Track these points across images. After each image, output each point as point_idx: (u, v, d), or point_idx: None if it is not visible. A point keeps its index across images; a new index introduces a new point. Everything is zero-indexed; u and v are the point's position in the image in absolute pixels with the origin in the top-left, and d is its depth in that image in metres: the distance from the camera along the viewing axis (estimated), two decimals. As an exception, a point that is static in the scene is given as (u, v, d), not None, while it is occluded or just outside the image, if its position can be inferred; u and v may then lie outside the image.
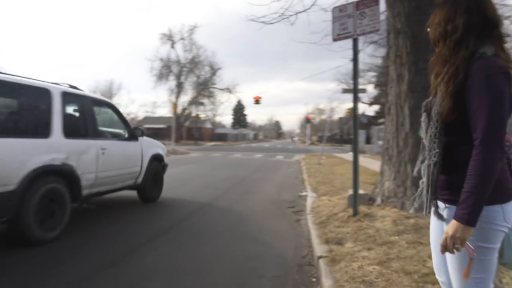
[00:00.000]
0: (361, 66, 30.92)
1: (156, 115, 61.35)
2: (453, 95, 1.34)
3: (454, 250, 1.29)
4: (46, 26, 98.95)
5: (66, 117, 4.30)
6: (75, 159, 4.30)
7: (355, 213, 4.52)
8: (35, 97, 3.97)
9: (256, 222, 5.18)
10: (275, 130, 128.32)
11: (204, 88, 45.32)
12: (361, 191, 5.15)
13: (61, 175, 4.10)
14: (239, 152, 28.93)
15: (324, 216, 4.86)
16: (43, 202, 3.83)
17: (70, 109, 4.64)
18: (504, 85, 1.27)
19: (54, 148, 4.02)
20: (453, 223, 1.28)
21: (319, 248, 3.68)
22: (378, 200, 4.99)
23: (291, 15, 7.92)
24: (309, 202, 6.16)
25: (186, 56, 45.51)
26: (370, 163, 15.17)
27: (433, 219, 1.58)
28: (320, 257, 3.43)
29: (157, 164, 6.55)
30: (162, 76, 43.96)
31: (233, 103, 73.02)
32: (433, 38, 1.47)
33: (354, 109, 4.89)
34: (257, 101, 32.26)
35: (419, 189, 1.53)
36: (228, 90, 44.53)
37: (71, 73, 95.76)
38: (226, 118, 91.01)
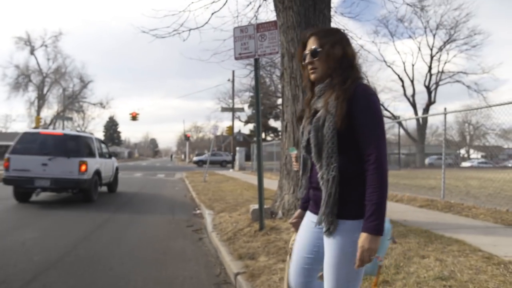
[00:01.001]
0: (237, 86, 32.60)
1: (10, 130, 52.72)
2: (345, 104, 1.49)
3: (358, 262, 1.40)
4: None
5: (97, 148, 9.48)
6: (101, 167, 9.32)
7: (261, 227, 4.63)
8: (90, 140, 9.30)
9: (158, 244, 4.85)
10: (151, 148, 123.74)
11: (73, 102, 41.04)
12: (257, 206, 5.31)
13: (97, 173, 9.02)
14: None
15: (230, 232, 4.85)
16: (94, 183, 8.76)
17: (97, 145, 9.70)
18: (381, 111, 1.59)
19: (97, 162, 9.08)
20: (366, 236, 1.38)
21: (233, 265, 3.63)
22: (280, 214, 5.22)
23: (184, 31, 7.92)
24: (208, 219, 6.06)
25: (50, 66, 40.77)
26: (254, 179, 15.81)
27: (306, 230, 1.69)
28: (238, 274, 3.39)
29: (117, 171, 11.56)
30: (18, 85, 38.34)
31: (104, 119, 67.77)
32: (335, 65, 1.60)
33: (258, 126, 5.06)
34: (134, 117, 30.75)
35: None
36: (101, 105, 41.33)
37: None
38: (97, 135, 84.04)
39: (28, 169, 7.81)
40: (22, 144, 8.11)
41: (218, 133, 63.79)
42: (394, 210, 6.30)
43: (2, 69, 42.71)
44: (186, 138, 44.45)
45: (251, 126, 53.94)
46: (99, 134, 77.44)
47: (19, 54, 62.31)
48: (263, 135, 54.69)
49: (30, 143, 8.13)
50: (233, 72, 31.51)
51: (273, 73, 30.90)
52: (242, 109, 33.92)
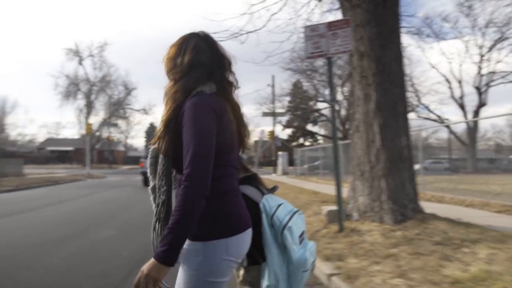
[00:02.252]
0: (277, 91, 32.59)
1: (61, 136, 55.76)
2: (169, 130, 1.35)
3: None
4: None
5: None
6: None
7: (341, 229, 4.51)
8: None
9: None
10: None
11: (118, 109, 42.75)
12: (334, 208, 5.19)
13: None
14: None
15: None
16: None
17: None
18: (209, 122, 1.31)
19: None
20: (151, 261, 1.22)
21: (323, 266, 3.54)
22: (355, 215, 5.07)
23: (242, 34, 7.98)
24: (275, 221, 6.00)
25: (96, 74, 42.74)
26: (302, 183, 15.68)
27: None
28: (332, 275, 3.29)
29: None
30: (69, 94, 40.43)
31: (146, 125, 70.18)
32: (166, 71, 1.51)
33: (333, 126, 4.95)
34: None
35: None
36: (144, 111, 42.74)
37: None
38: (138, 141, 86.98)
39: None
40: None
41: (256, 138, 63.99)
42: (470, 215, 5.96)
43: (55, 79, 44.97)
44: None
45: (289, 131, 53.75)
46: (141, 139, 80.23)
47: (69, 64, 65.63)
48: (301, 140, 54.37)
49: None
50: (273, 77, 31.66)
51: (314, 78, 30.79)
52: (283, 114, 33.83)
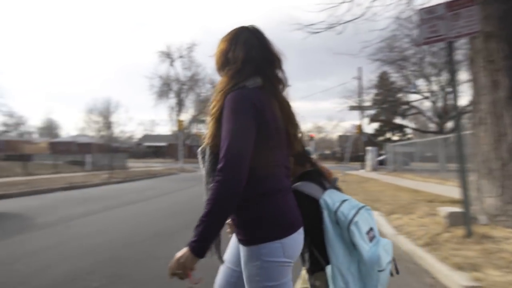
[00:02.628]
0: (364, 83, 31.08)
1: (155, 133, 60.63)
2: (216, 122, 1.32)
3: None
4: (35, 43, 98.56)
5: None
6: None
7: (469, 234, 4.01)
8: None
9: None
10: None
11: (206, 106, 44.83)
12: (455, 209, 4.66)
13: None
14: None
15: (424, 237, 4.33)
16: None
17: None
18: (247, 117, 1.26)
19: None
20: (185, 248, 1.24)
21: (456, 276, 3.14)
22: (483, 219, 4.49)
23: (340, 24, 7.63)
24: (383, 221, 5.63)
25: (186, 74, 45.31)
26: (396, 180, 14.72)
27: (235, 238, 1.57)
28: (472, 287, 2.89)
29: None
30: (162, 93, 43.54)
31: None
32: (217, 67, 1.48)
33: (457, 118, 4.41)
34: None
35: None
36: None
37: (62, 89, 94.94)
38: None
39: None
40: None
41: (341, 133, 61.87)
42: None
43: (149, 80, 48.82)
44: (310, 138, 44.34)
45: (375, 125, 51.18)
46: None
47: (161, 66, 70.89)
48: (388, 134, 51.40)
49: None
50: (360, 69, 30.29)
51: (405, 68, 28.69)
52: (370, 107, 32.25)
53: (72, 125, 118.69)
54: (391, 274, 1.50)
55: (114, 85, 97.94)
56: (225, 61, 1.43)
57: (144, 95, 79.03)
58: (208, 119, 1.38)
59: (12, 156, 27.12)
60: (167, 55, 43.31)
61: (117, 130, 56.32)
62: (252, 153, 1.25)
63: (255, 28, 1.47)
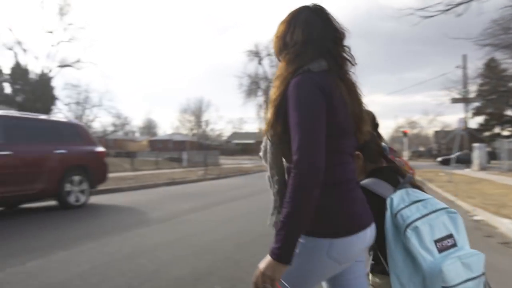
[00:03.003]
0: (470, 72, 27.84)
1: (243, 131, 62.56)
2: (276, 109, 1.22)
3: None
4: (135, 48, 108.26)
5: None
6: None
7: None
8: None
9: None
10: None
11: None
12: None
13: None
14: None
15: None
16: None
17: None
18: (316, 102, 1.15)
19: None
20: (267, 257, 1.11)
21: None
22: None
23: (461, 3, 6.73)
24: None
25: (273, 72, 45.74)
26: (518, 181, 12.79)
27: None
28: None
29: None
30: (250, 92, 44.57)
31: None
32: (276, 52, 1.35)
33: None
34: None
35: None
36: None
37: (158, 91, 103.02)
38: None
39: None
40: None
41: (438, 128, 56.85)
42: None
43: (239, 79, 50.14)
44: (404, 134, 41.35)
45: (480, 119, 45.94)
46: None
47: (250, 65, 72.69)
48: (497, 129, 45.69)
49: None
50: (464, 56, 27.25)
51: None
52: (476, 99, 28.89)
53: (168, 124, 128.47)
54: None
55: (205, 85, 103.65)
56: (283, 45, 1.31)
57: (233, 94, 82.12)
58: (270, 109, 1.25)
59: (120, 153, 30.08)
60: (255, 54, 44.17)
61: (208, 128, 59.31)
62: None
63: (317, 6, 1.32)
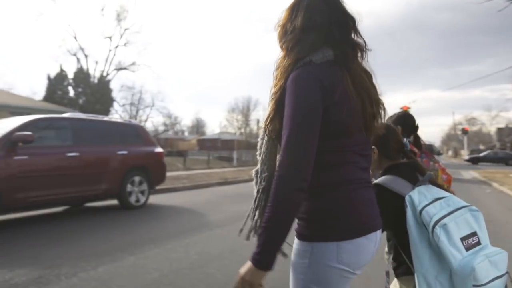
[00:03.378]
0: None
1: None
2: (275, 103, 1.16)
3: None
4: (182, 48, 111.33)
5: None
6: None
7: None
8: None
9: None
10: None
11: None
12: None
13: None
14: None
15: None
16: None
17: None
18: (312, 99, 1.06)
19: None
20: (248, 262, 1.07)
21: None
22: None
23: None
24: None
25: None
26: None
27: None
28: None
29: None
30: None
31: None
32: (278, 40, 1.24)
33: None
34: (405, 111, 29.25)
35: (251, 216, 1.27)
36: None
37: (206, 90, 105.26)
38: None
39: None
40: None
41: (502, 125, 52.73)
42: None
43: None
44: (463, 131, 38.67)
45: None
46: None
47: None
48: None
49: None
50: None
51: None
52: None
53: (216, 123, 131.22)
54: None
55: (253, 84, 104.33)
56: (283, 33, 1.21)
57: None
58: (269, 102, 1.20)
59: (172, 152, 30.96)
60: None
61: (255, 127, 59.53)
62: (318, 140, 1.08)
63: None
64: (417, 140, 2.29)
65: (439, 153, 22.55)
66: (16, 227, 5.60)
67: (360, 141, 1.16)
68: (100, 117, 7.91)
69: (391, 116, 2.39)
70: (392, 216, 1.34)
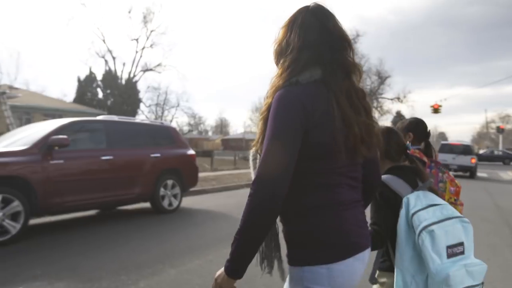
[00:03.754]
0: None
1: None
2: (264, 123, 1.17)
3: None
4: (206, 49, 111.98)
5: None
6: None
7: None
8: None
9: None
10: (439, 143, 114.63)
11: (371, 99, 42.61)
12: None
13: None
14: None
15: None
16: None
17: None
18: (290, 120, 1.07)
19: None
20: (222, 267, 1.14)
21: None
22: None
23: None
24: None
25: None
26: None
27: None
28: None
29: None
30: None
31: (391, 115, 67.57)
32: (274, 59, 1.25)
33: None
34: (436, 109, 28.10)
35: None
36: (398, 99, 40.80)
37: (228, 90, 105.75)
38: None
39: (446, 160, 16.46)
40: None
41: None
42: None
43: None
44: (499, 130, 37.10)
45: None
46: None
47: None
48: None
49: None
50: None
51: None
52: None
53: (240, 123, 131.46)
54: None
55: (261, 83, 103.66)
56: (279, 52, 1.21)
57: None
58: (259, 121, 1.21)
59: (197, 152, 31.01)
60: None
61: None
62: (298, 161, 1.08)
63: (317, 6, 1.21)
64: (428, 148, 2.24)
65: (477, 155, 21.66)
66: (52, 232, 5.51)
67: (347, 163, 1.15)
68: (132, 119, 7.78)
69: (403, 122, 2.35)
70: (391, 212, 1.42)
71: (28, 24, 67.11)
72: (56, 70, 71.61)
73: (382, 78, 40.86)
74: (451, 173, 2.18)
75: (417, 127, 2.27)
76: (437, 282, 1.24)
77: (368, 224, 1.30)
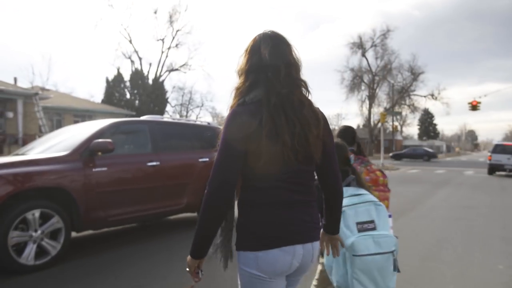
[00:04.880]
0: None
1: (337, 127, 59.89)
2: None
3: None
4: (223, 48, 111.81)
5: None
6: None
7: None
8: None
9: None
10: (469, 141, 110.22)
11: (403, 96, 40.90)
12: None
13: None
14: (465, 168, 24.02)
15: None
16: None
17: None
18: (234, 135, 1.31)
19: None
20: None
21: None
22: None
23: None
24: None
25: (378, 64, 42.35)
26: None
27: None
28: None
29: None
30: (354, 86, 41.96)
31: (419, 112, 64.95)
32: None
33: None
34: (474, 106, 26.42)
35: None
36: (432, 96, 38.97)
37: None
38: (413, 129, 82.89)
39: (500, 160, 17.82)
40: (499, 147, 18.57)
41: None
42: None
43: (341, 73, 47.41)
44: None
45: None
46: (415, 128, 75.74)
47: (353, 58, 69.34)
48: None
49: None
50: None
51: None
52: None
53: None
54: (398, 270, 1.79)
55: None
56: (237, 76, 1.45)
57: (326, 90, 79.55)
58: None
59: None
60: (359, 46, 41.34)
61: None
62: (243, 167, 1.34)
63: (269, 32, 1.43)
64: (358, 148, 2.77)
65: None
66: (93, 247, 4.80)
67: (289, 170, 1.35)
68: (177, 120, 7.04)
69: (338, 131, 2.84)
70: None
71: (58, 26, 68.47)
72: (84, 71, 72.82)
73: (415, 75, 39.07)
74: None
75: (345, 133, 2.77)
76: (348, 250, 1.72)
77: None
